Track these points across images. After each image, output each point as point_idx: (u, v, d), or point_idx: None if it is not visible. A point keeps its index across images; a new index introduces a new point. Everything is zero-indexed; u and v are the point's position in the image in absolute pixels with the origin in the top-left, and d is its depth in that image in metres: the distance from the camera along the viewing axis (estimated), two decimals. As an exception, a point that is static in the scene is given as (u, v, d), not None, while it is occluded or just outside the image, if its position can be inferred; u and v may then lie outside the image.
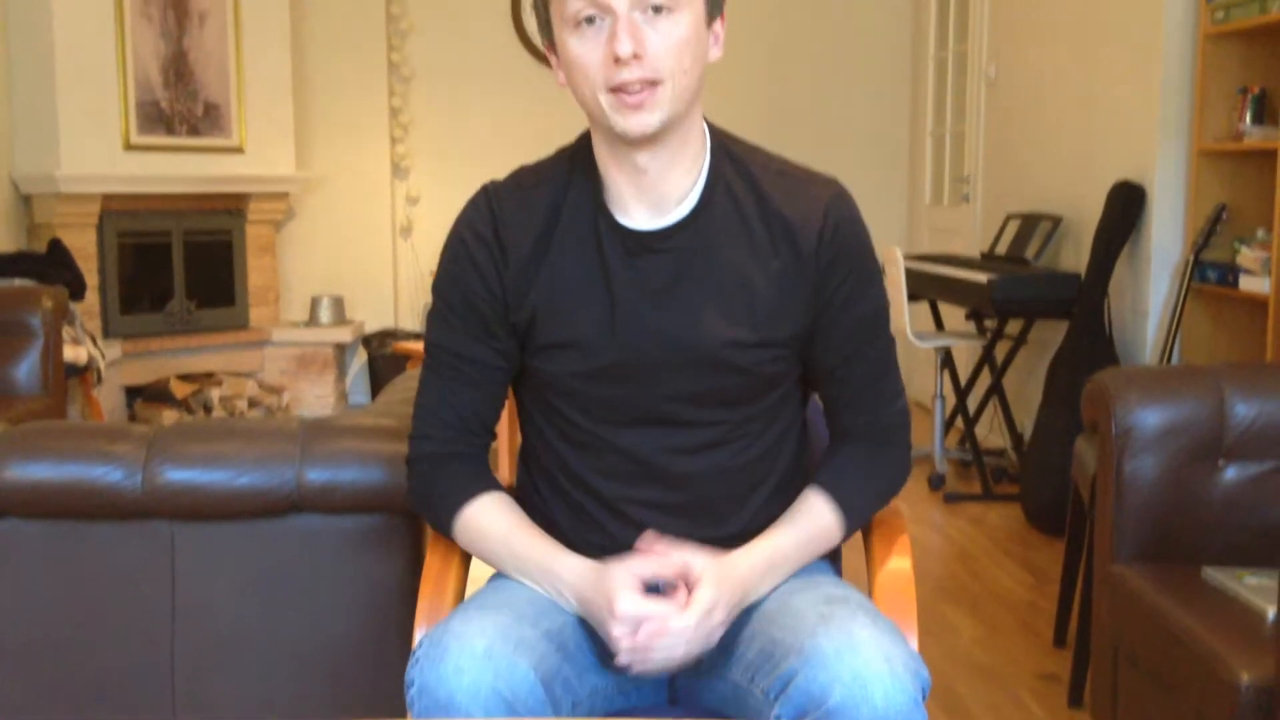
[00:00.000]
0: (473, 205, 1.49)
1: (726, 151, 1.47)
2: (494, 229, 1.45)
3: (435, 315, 1.51)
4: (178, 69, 5.40)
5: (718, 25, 1.42)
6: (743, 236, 1.44)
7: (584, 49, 1.35)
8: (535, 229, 1.45)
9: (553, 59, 1.42)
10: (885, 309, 1.52)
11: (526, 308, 1.45)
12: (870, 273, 1.49)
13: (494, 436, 1.54)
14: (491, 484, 1.51)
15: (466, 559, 1.56)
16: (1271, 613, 1.84)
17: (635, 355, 1.43)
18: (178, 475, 1.69)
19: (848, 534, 1.52)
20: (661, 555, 1.37)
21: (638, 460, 1.46)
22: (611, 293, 1.43)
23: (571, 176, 1.47)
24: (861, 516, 1.53)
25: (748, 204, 1.45)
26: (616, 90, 1.34)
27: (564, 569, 1.41)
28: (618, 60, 1.32)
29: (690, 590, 1.34)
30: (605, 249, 1.43)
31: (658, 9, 1.33)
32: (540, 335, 1.45)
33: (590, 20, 1.34)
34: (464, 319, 1.47)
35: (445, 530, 1.51)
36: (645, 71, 1.33)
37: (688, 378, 1.43)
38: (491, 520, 1.47)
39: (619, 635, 1.32)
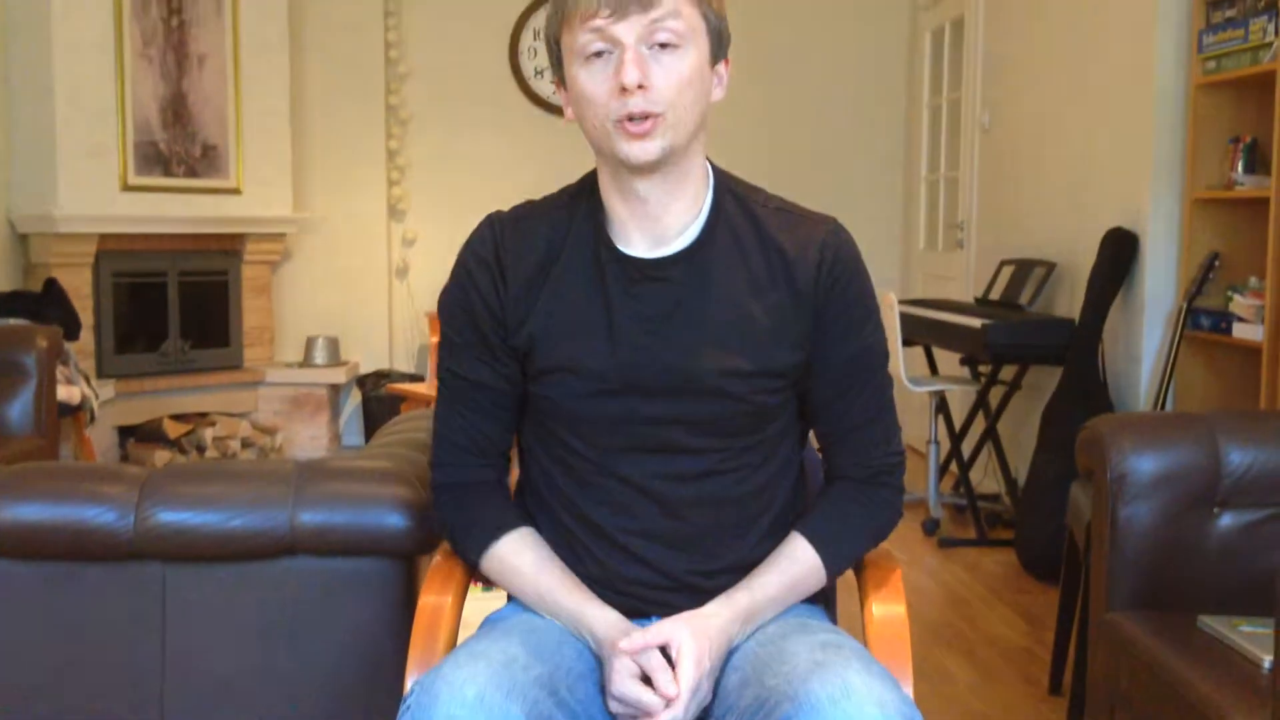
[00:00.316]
0: (477, 233, 1.54)
1: (729, 190, 1.52)
2: (495, 254, 1.50)
3: (443, 342, 1.55)
4: (176, 110, 5.44)
5: (721, 67, 1.47)
6: (742, 269, 1.47)
7: (593, 81, 1.40)
8: (537, 255, 1.49)
9: (561, 94, 1.47)
10: (881, 348, 1.54)
11: (525, 332, 1.48)
12: (866, 310, 1.51)
13: (509, 460, 1.58)
14: (517, 517, 1.54)
15: (460, 603, 1.56)
16: (1267, 662, 1.83)
17: (633, 381, 1.45)
18: (170, 517, 1.68)
19: (833, 577, 1.54)
20: (645, 643, 1.39)
21: (635, 487, 1.48)
22: (611, 319, 1.46)
23: (576, 209, 1.52)
24: (846, 560, 1.54)
25: (748, 238, 1.48)
26: (621, 120, 1.38)
27: (592, 620, 1.44)
28: (624, 90, 1.37)
29: (671, 662, 1.38)
30: (606, 276, 1.47)
31: (664, 45, 1.38)
32: (539, 359, 1.48)
33: (599, 54, 1.39)
34: (469, 343, 1.51)
35: (472, 562, 1.55)
36: (648, 104, 1.38)
37: (685, 405, 1.46)
38: (521, 559, 1.51)
39: (615, 711, 1.38)
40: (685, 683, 1.35)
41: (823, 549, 1.50)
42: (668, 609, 1.45)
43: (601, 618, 1.44)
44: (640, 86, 1.36)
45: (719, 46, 1.45)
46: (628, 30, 1.37)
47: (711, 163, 1.52)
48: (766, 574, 1.48)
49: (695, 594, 1.46)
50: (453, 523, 1.56)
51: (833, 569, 1.52)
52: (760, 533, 1.52)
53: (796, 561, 1.50)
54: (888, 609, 1.52)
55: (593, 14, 1.37)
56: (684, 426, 1.46)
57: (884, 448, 1.55)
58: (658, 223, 1.46)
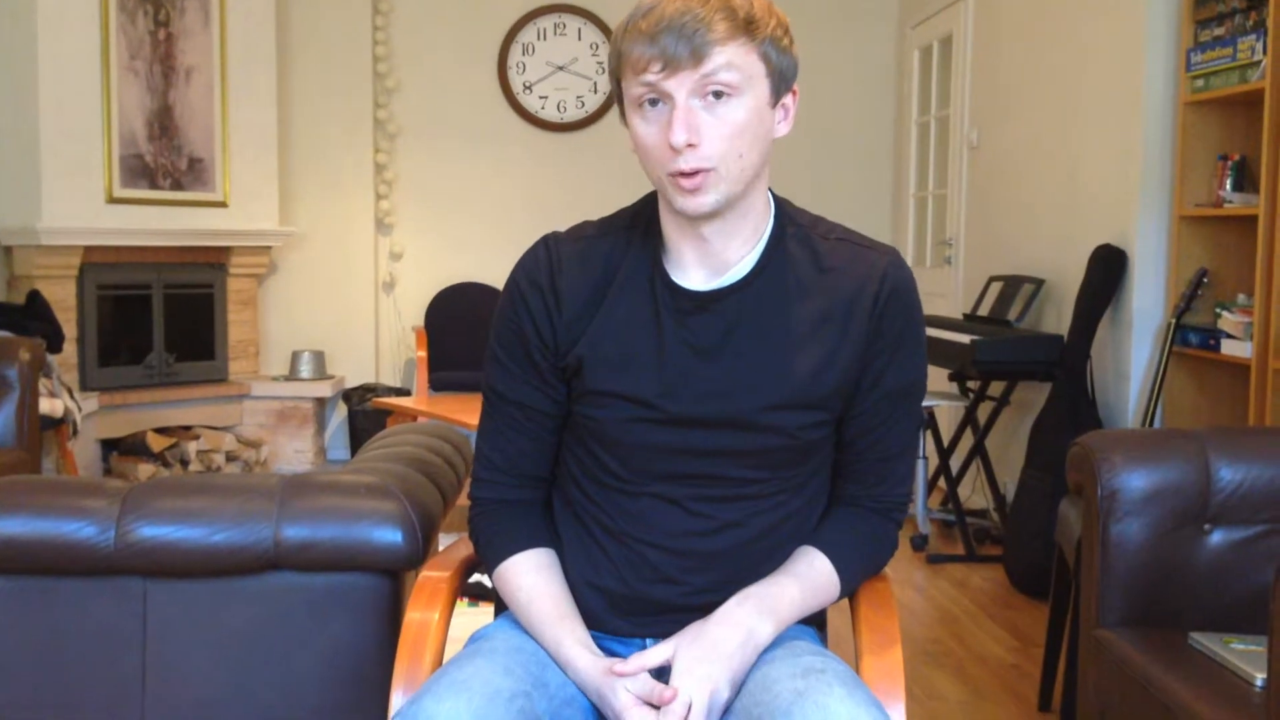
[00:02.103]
0: (531, 254, 1.52)
1: (791, 221, 1.50)
2: (550, 277, 1.48)
3: (491, 361, 1.53)
4: (163, 123, 5.42)
5: (788, 100, 1.44)
6: (797, 302, 1.45)
7: (647, 130, 1.38)
8: (592, 279, 1.48)
9: (625, 128, 1.46)
10: (922, 385, 1.53)
11: (576, 354, 1.47)
12: (915, 343, 1.50)
13: (548, 482, 1.57)
14: (534, 539, 1.53)
15: (447, 618, 1.54)
16: (1260, 679, 1.82)
17: (678, 410, 1.44)
18: (152, 531, 1.66)
19: (843, 593, 1.52)
20: (640, 665, 1.37)
21: (667, 506, 1.47)
22: (662, 348, 1.45)
23: (633, 234, 1.50)
24: (856, 579, 1.53)
25: (806, 270, 1.47)
26: (674, 174, 1.37)
27: (574, 658, 1.42)
28: (674, 148, 1.35)
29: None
30: (659, 306, 1.46)
31: (718, 94, 1.35)
32: (587, 382, 1.47)
33: (653, 102, 1.37)
34: (519, 365, 1.50)
35: (490, 575, 1.55)
36: (700, 160, 1.36)
37: (728, 436, 1.45)
38: (521, 582, 1.49)
39: None
40: (680, 694, 1.33)
41: (837, 561, 1.49)
42: (673, 626, 1.44)
43: (579, 656, 1.42)
44: (690, 145, 1.35)
45: (781, 83, 1.41)
46: (678, 86, 1.34)
47: (775, 194, 1.51)
48: (782, 576, 1.47)
49: (705, 615, 1.44)
50: (477, 536, 1.56)
51: (845, 584, 1.50)
52: (786, 557, 1.50)
53: (813, 568, 1.48)
54: (880, 630, 1.50)
55: (644, 68, 1.35)
56: (726, 457, 1.45)
57: (899, 487, 1.55)
58: (716, 256, 1.45)
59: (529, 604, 1.48)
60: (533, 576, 1.50)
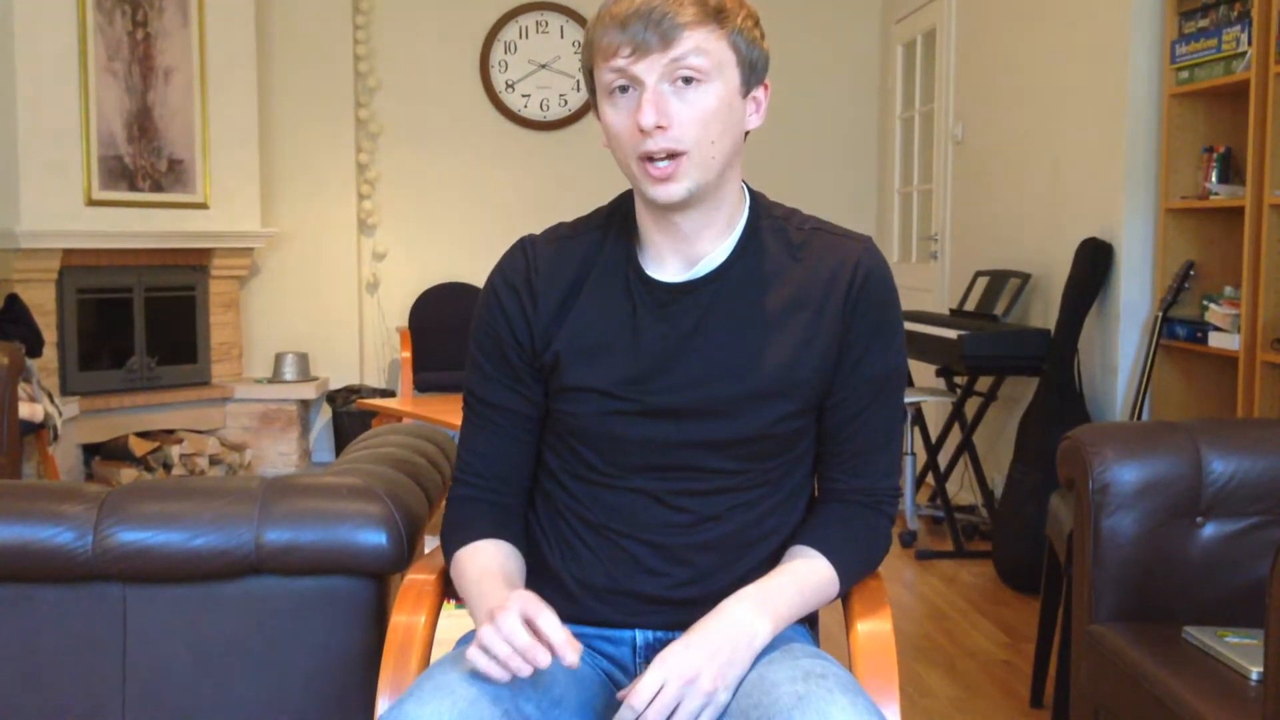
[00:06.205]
0: (508, 256, 1.53)
1: (766, 213, 1.51)
2: (527, 277, 1.49)
3: (470, 366, 1.54)
4: (142, 124, 5.37)
5: (759, 93, 1.46)
6: (772, 292, 1.45)
7: (617, 117, 1.39)
8: (568, 277, 1.49)
9: (599, 123, 1.46)
10: (902, 372, 1.53)
11: (552, 350, 1.47)
12: (892, 331, 1.50)
13: (528, 489, 1.55)
14: (498, 531, 1.50)
15: (433, 622, 1.52)
16: (1255, 673, 1.81)
17: (654, 403, 1.44)
18: (130, 536, 1.63)
19: (842, 589, 1.49)
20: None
21: (649, 500, 1.46)
22: (637, 340, 1.45)
23: (608, 230, 1.51)
24: (853, 574, 1.50)
25: (780, 261, 1.47)
26: (645, 159, 1.37)
27: (495, 603, 1.33)
28: (643, 130, 1.35)
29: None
30: (634, 298, 1.46)
31: (687, 80, 1.36)
32: (564, 378, 1.47)
33: (623, 89, 1.38)
34: (497, 368, 1.51)
35: (448, 564, 1.53)
36: (669, 142, 1.36)
37: (706, 428, 1.44)
38: (473, 564, 1.46)
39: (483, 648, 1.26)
40: (644, 691, 1.28)
41: (834, 559, 1.47)
42: (660, 617, 1.44)
43: (494, 595, 1.35)
44: (660, 126, 1.35)
45: (751, 75, 1.43)
46: (648, 70, 1.35)
47: (750, 187, 1.51)
48: (780, 575, 1.44)
49: (692, 608, 1.42)
50: (444, 529, 1.55)
51: (843, 582, 1.48)
52: (767, 553, 1.49)
53: (811, 566, 1.46)
54: (873, 627, 1.48)
55: (613, 54, 1.36)
56: (703, 449, 1.45)
57: (886, 479, 1.53)
58: (691, 247, 1.46)
59: (480, 580, 1.42)
60: (486, 560, 1.45)
